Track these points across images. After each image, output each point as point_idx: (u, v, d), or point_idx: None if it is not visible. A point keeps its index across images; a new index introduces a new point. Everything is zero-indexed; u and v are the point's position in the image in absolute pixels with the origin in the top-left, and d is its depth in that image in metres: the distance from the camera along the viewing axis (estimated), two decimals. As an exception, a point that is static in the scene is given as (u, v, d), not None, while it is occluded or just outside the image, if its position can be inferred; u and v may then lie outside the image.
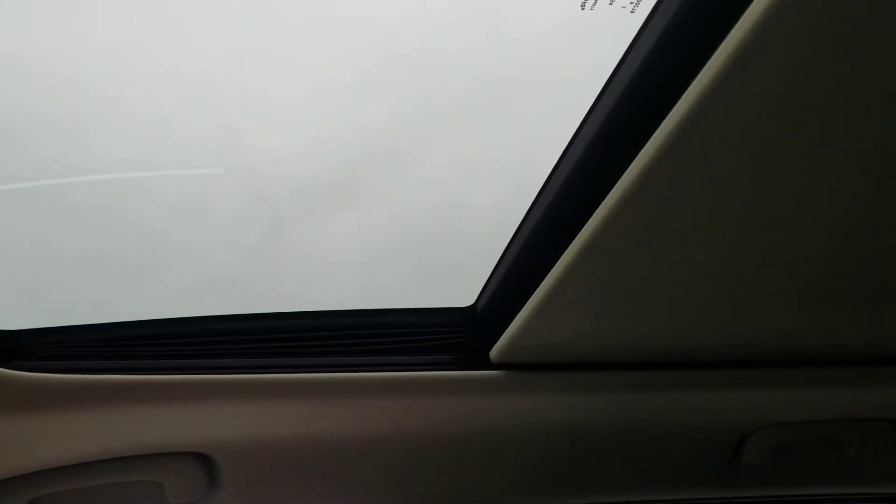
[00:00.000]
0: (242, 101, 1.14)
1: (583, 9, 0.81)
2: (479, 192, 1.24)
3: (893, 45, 0.55)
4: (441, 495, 1.19)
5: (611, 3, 0.78)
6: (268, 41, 1.09)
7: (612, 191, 0.71)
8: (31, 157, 1.11)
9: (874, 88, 0.59)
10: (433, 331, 1.07)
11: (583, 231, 0.77)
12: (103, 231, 1.20)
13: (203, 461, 1.04)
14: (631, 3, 0.73)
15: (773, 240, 0.78)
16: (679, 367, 1.06)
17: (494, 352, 1.03)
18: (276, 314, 1.03)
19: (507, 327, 1.04)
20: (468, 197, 1.25)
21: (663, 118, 0.62)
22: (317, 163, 1.23)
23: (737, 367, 1.08)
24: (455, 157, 1.25)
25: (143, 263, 1.23)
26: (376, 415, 1.05)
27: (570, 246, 0.80)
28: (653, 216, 0.73)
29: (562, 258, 0.83)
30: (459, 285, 1.11)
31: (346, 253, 1.29)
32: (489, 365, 1.05)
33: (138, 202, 1.18)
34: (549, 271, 0.88)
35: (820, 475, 1.29)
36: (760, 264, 0.83)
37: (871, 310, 0.98)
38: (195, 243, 1.31)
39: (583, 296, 0.89)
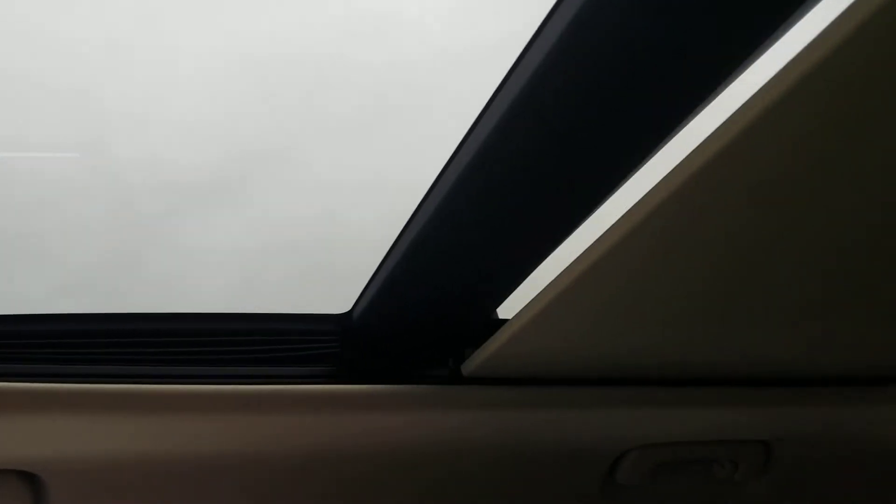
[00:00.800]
0: (121, 98, 1.08)
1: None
2: (360, 202, 1.20)
3: None
4: None
5: None
6: (150, 41, 1.04)
7: None
8: None
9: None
10: (305, 339, 0.99)
11: None
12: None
13: (30, 481, 0.91)
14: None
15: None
16: (555, 383, 1.03)
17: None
18: (123, 315, 0.92)
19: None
20: (349, 206, 1.20)
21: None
22: (195, 162, 1.17)
23: (613, 385, 1.06)
24: (338, 166, 1.20)
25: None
26: (238, 432, 0.95)
27: None
28: None
29: None
30: (339, 291, 1.04)
31: (220, 255, 1.21)
32: (368, 378, 0.98)
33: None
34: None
35: (692, 496, 1.29)
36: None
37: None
38: (52, 241, 1.20)
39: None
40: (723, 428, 1.19)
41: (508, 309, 1.13)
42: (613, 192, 0.79)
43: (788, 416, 1.21)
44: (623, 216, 0.72)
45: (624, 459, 1.16)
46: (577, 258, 0.81)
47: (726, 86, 0.63)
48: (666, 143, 0.71)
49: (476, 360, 1.00)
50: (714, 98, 0.67)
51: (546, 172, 0.75)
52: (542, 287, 0.93)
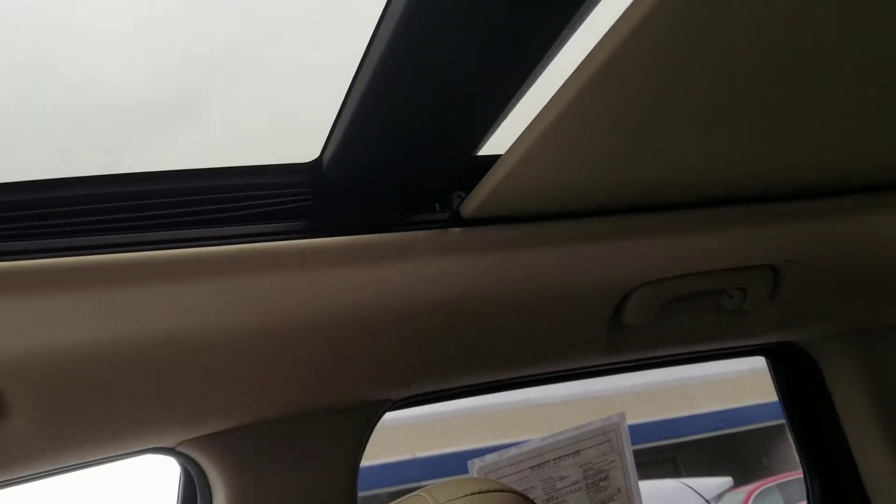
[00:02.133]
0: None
1: None
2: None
3: None
4: (305, 390, 1.04)
5: None
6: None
7: None
8: None
9: None
10: (274, 194, 0.89)
11: None
12: None
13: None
14: None
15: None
16: (556, 217, 0.95)
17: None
18: (66, 180, 0.81)
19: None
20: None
21: None
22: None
23: (617, 214, 0.98)
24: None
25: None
26: (214, 299, 0.86)
27: None
28: None
29: None
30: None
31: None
32: (349, 229, 0.89)
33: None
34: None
35: (701, 330, 1.24)
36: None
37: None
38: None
39: None
40: (730, 254, 1.12)
41: (496, 146, 1.03)
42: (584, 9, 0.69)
43: (795, 235, 1.14)
44: (610, 30, 0.64)
45: (631, 298, 1.10)
46: (566, 81, 0.72)
47: None
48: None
49: (474, 201, 0.91)
50: None
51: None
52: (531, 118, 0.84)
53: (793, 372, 1.45)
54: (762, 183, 1.05)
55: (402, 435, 7.80)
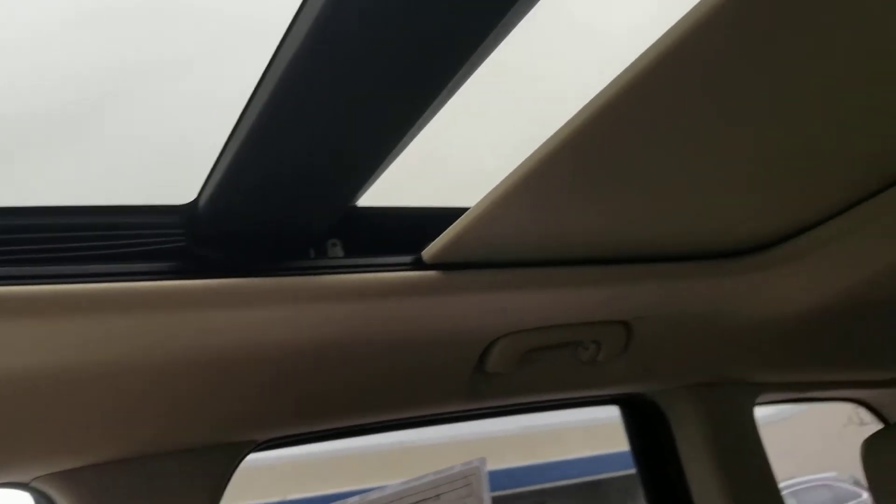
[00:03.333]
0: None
1: None
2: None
3: None
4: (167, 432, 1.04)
5: None
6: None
7: None
8: None
9: None
10: (149, 233, 0.90)
11: None
12: None
13: None
14: None
15: None
16: (423, 268, 1.00)
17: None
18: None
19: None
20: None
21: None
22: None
23: (483, 268, 1.04)
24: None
25: None
26: (69, 338, 0.85)
27: None
28: None
29: None
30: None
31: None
32: (222, 272, 0.91)
33: None
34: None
35: (559, 379, 1.32)
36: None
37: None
38: None
39: None
40: (587, 309, 1.21)
41: (374, 197, 1.08)
42: (461, 72, 0.76)
43: (646, 294, 1.24)
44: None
45: (494, 347, 1.17)
46: None
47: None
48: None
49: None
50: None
51: (394, 40, 0.70)
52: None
53: (642, 422, 1.55)
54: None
55: (276, 476, 7.60)
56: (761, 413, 1.69)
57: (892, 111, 0.92)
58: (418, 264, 1.00)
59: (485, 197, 0.92)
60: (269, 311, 0.93)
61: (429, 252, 1.00)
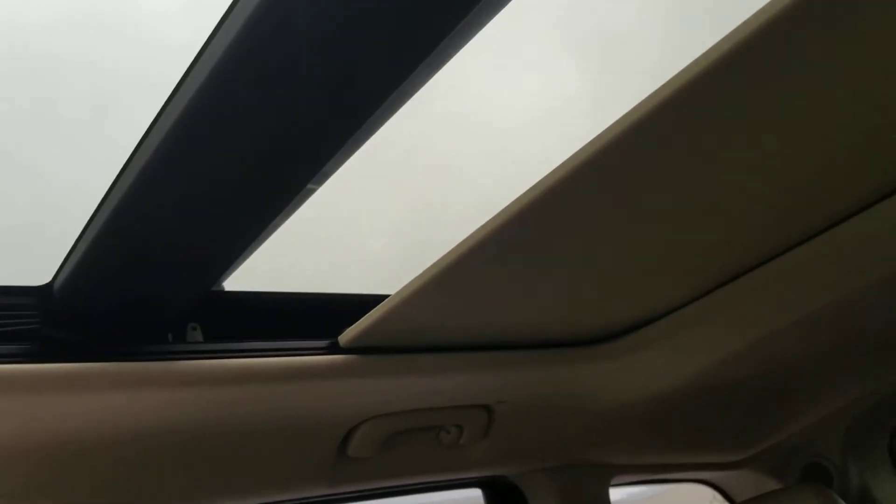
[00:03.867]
0: None
1: None
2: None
3: None
4: None
5: None
6: None
7: None
8: None
9: None
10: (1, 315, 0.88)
11: None
12: None
13: None
14: None
15: None
16: (283, 353, 1.02)
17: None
18: None
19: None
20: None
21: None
22: None
23: (348, 352, 1.07)
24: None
25: None
26: None
27: None
28: None
29: None
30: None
31: None
32: (77, 356, 0.89)
33: None
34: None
35: (422, 462, 1.34)
36: None
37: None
38: None
39: None
40: (450, 394, 1.25)
41: (238, 281, 1.09)
42: (326, 166, 0.80)
43: (507, 380, 1.30)
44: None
45: (357, 431, 1.18)
46: None
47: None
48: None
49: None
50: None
51: (265, 125, 0.73)
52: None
53: (504, 504, 1.59)
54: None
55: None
56: (628, 492, 1.77)
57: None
58: (280, 350, 1.02)
59: (393, 295, 0.95)
60: (123, 397, 0.92)
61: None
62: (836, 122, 0.87)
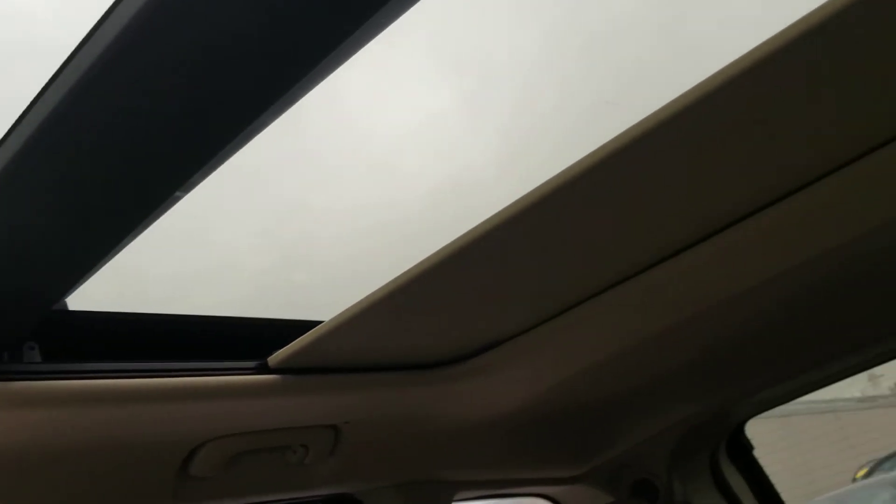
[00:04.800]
0: None
1: None
2: None
3: None
4: None
5: None
6: None
7: None
8: None
9: None
10: None
11: None
12: None
13: None
14: None
15: None
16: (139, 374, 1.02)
17: None
18: None
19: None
20: None
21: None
22: None
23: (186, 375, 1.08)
24: None
25: None
26: None
27: None
28: None
29: None
30: None
31: None
32: None
33: None
34: None
35: (268, 482, 1.36)
36: None
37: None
38: None
39: None
40: (295, 414, 1.27)
41: (82, 299, 1.08)
42: (171, 195, 0.80)
43: (353, 400, 1.34)
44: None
45: (199, 451, 1.18)
46: None
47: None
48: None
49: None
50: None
51: (116, 146, 0.73)
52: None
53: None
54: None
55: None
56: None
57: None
58: (121, 372, 1.02)
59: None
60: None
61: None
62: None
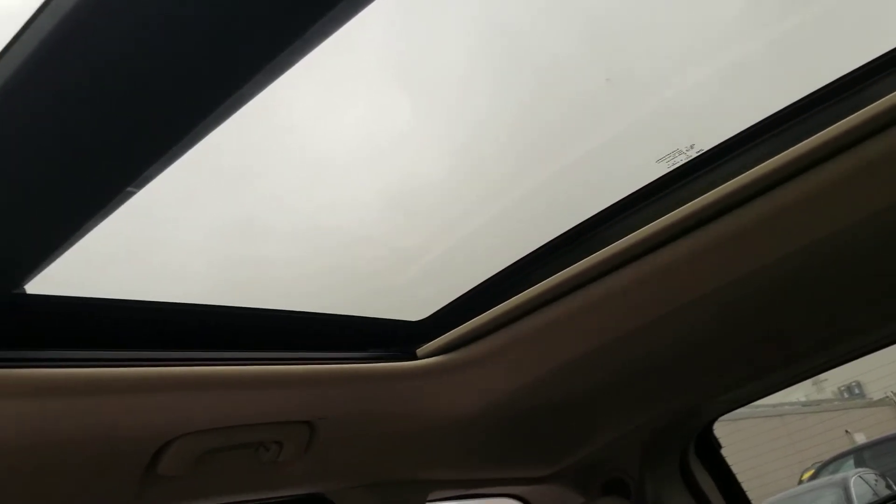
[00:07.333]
0: None
1: None
2: None
3: None
4: None
5: None
6: None
7: None
8: None
9: None
10: None
11: None
12: None
13: None
14: None
15: None
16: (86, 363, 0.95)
17: None
18: None
19: None
20: None
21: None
22: None
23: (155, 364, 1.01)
24: None
25: None
26: None
27: None
28: None
29: None
30: None
31: None
32: None
33: None
34: None
35: (239, 481, 1.29)
36: None
37: None
38: None
39: None
40: (268, 409, 1.21)
41: (45, 283, 1.01)
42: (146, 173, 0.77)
43: (329, 395, 1.28)
44: None
45: (167, 448, 1.11)
46: None
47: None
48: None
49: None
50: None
51: (78, 130, 0.70)
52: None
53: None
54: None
55: None
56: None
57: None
58: (84, 361, 0.95)
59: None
60: None
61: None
62: None
